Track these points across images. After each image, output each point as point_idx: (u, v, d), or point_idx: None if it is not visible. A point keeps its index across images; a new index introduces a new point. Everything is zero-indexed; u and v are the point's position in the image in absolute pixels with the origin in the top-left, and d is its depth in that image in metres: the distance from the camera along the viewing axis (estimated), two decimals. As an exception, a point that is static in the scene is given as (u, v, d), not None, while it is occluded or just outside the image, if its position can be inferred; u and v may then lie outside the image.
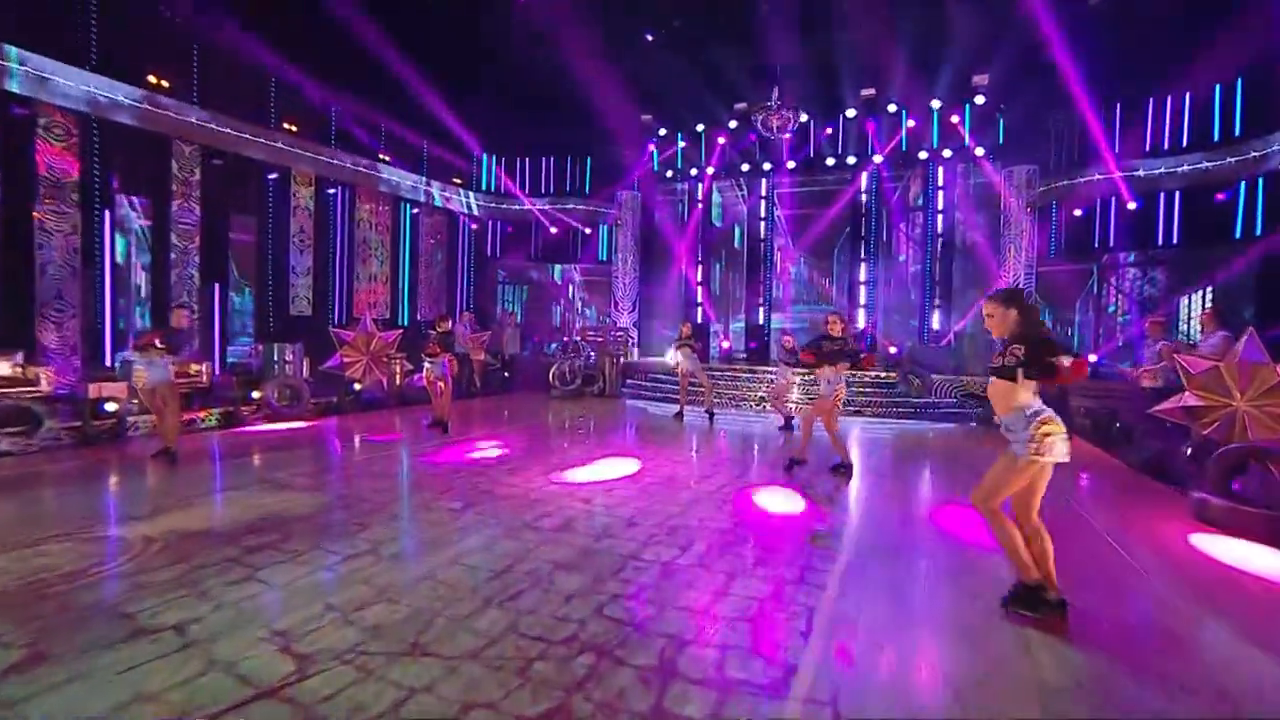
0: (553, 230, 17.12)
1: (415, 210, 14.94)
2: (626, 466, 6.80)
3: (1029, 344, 3.14)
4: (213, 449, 7.31)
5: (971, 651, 2.97)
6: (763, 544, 4.37)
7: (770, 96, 12.67)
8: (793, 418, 9.59)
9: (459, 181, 16.16)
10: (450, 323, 8.61)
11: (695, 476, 6.40)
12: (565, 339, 15.74)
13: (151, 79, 10.00)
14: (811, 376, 7.20)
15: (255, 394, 8.81)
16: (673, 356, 11.69)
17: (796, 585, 3.67)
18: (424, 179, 15.00)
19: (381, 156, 13.74)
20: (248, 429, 8.52)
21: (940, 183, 14.01)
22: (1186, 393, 7.10)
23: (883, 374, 12.38)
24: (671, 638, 3.00)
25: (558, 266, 18.33)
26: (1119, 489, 6.53)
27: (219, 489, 5.61)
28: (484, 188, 16.98)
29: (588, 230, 17.23)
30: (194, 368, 8.55)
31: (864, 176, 14.79)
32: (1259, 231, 9.81)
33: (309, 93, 11.42)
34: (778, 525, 4.86)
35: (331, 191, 12.60)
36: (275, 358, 9.44)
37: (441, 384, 8.45)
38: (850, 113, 13.95)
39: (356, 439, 8.09)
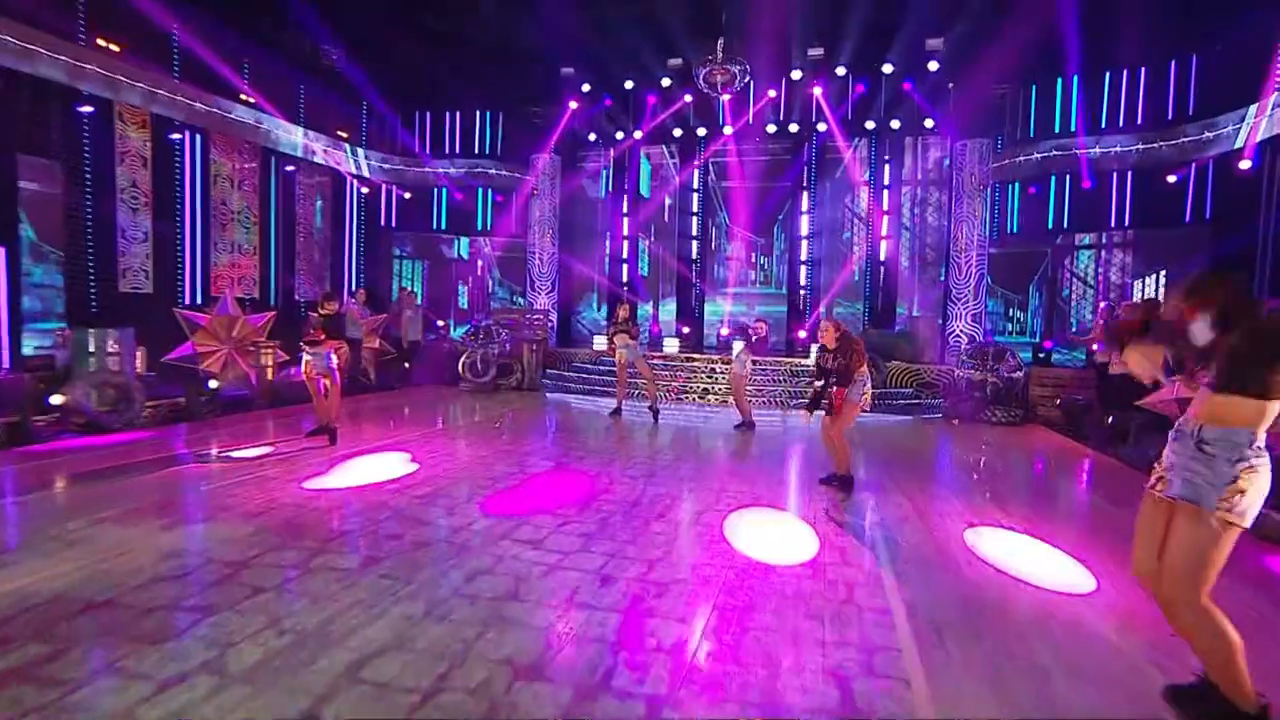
0: (459, 198, 15.39)
1: (291, 168, 12.76)
2: (574, 485, 5.62)
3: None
4: (-11, 479, 5.40)
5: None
6: (791, 604, 3.36)
7: (714, 49, 11.64)
8: (752, 419, 8.75)
9: (345, 135, 14.03)
10: (337, 304, 7.00)
11: (663, 498, 5.32)
12: (475, 323, 14.17)
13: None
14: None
15: (56, 398, 6.75)
16: (608, 344, 10.54)
17: (867, 676, 2.67)
18: (302, 129, 12.82)
19: (244, 97, 11.48)
20: (44, 447, 6.51)
21: (888, 155, 13.60)
22: (1178, 383, 6.82)
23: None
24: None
25: (465, 239, 16.62)
26: (1134, 495, 6.07)
27: (-21, 550, 3.90)
28: (377, 145, 14.92)
29: (500, 199, 15.63)
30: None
31: (808, 146, 14.15)
32: (1208, 215, 9.97)
33: (140, 1, 9.12)
34: (794, 575, 3.86)
35: (176, 137, 10.30)
36: (93, 348, 7.36)
37: (326, 380, 6.85)
38: (796, 74, 13.20)
39: (208, 456, 6.37)
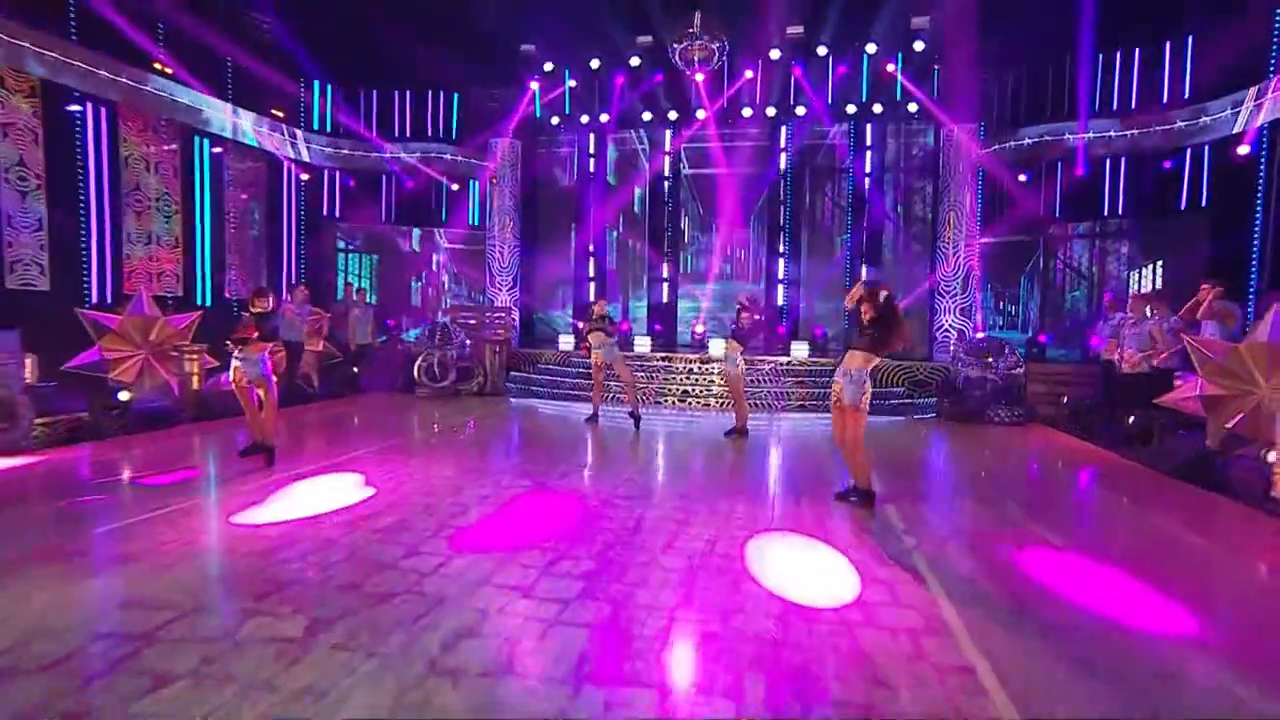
0: (411, 186, 14.45)
1: (218, 149, 11.65)
2: (560, 510, 4.96)
3: None
4: None
5: None
6: (851, 664, 2.78)
7: (689, 23, 11.06)
8: (745, 425, 8.20)
9: (281, 115, 12.94)
10: (271, 300, 6.14)
11: (666, 523, 4.70)
12: (431, 322, 13.30)
13: None
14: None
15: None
16: (579, 342, 9.86)
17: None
18: (230, 106, 11.72)
19: (160, 65, 10.34)
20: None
21: (870, 141, 13.28)
22: (1201, 380, 6.56)
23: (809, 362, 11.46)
24: None
25: (418, 231, 15.69)
26: (1188, 510, 5.76)
27: None
28: (317, 126, 13.86)
29: (455, 186, 14.75)
30: None
31: (785, 131, 13.73)
32: (1205, 203, 9.88)
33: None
34: (844, 622, 3.29)
35: (75, 109, 9.14)
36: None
37: (261, 390, 6.00)
38: (774, 54, 12.74)
39: (114, 485, 5.46)
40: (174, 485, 5.35)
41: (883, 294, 5.15)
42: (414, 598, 3.36)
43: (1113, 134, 10.50)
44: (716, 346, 12.26)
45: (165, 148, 10.55)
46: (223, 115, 11.56)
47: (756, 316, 8.14)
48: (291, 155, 13.21)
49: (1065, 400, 8.91)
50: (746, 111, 13.61)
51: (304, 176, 13.49)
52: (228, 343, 6.03)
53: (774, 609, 3.36)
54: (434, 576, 3.62)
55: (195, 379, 8.35)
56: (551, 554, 4.00)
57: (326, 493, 5.24)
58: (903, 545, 4.35)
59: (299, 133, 13.37)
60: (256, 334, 6.01)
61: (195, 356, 8.33)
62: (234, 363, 5.97)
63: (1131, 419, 6.98)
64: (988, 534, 4.70)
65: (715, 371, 11.22)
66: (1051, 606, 3.50)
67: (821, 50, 12.62)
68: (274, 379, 6.11)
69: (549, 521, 4.67)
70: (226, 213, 11.94)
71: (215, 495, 5.07)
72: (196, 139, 11.11)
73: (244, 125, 12.00)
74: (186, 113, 10.85)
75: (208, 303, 11.01)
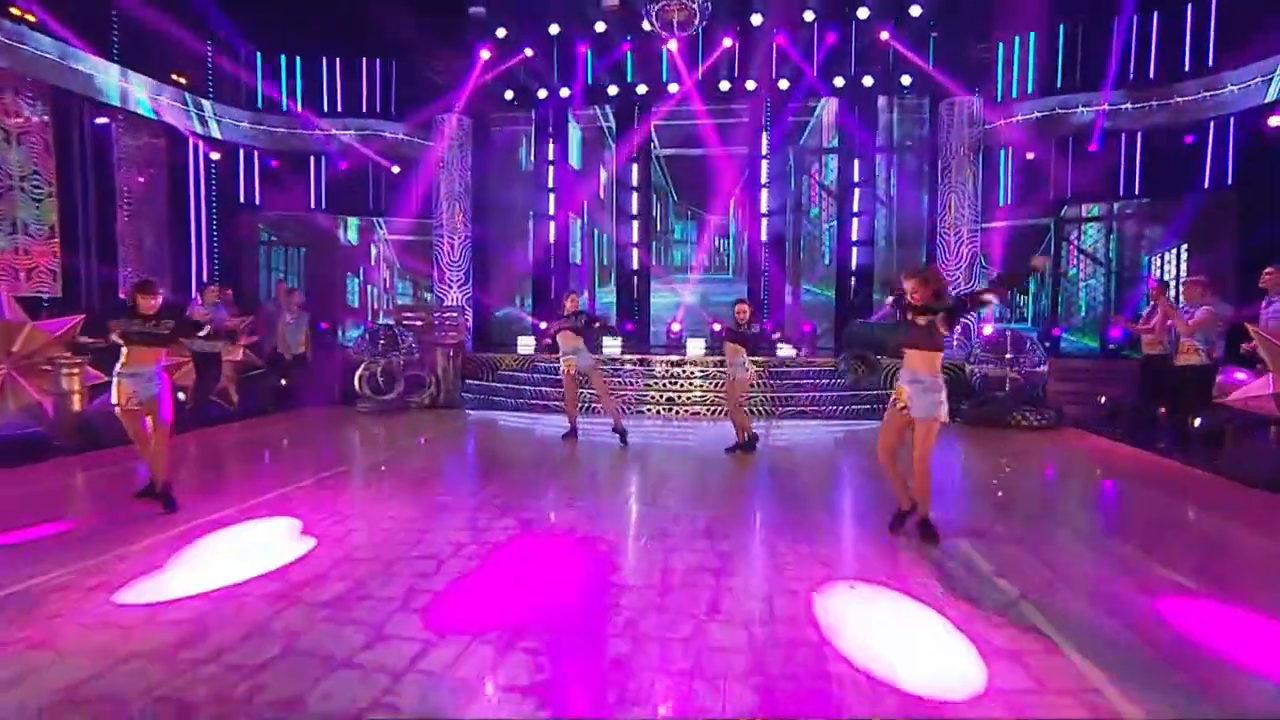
0: (345, 168, 13.28)
1: (104, 120, 10.27)
2: (560, 560, 4.09)
3: None
4: None
5: None
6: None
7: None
8: (755, 435, 7.46)
9: (184, 81, 11.58)
10: (159, 297, 5.02)
11: (700, 574, 3.89)
12: (373, 325, 12.18)
13: None
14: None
15: None
16: (540, 339, 8.88)
17: None
18: (119, 69, 10.34)
19: (19, 12, 8.89)
20: None
21: (861, 117, 12.76)
22: (1273, 376, 6.14)
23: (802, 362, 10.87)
24: None
25: (355, 221, 14.48)
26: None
27: None
28: (232, 97, 12.53)
29: (397, 169, 13.69)
30: None
31: (767, 107, 13.12)
32: (1230, 181, 9.65)
33: None
34: None
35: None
36: None
37: (151, 416, 4.91)
38: (756, 19, 12.09)
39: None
40: (37, 544, 4.24)
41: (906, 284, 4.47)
42: (387, 716, 2.46)
43: (1128, 106, 10.21)
44: (695, 347, 11.69)
45: (32, 116, 9.16)
46: (110, 79, 10.18)
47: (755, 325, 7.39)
48: (199, 130, 11.86)
49: (1103, 400, 8.48)
50: (724, 85, 13.01)
51: (214, 155, 12.16)
52: (107, 340, 4.94)
53: (888, 703, 2.59)
54: (411, 677, 2.72)
55: (75, 399, 7.08)
56: (565, 633, 3.13)
57: (251, 548, 4.23)
58: (1004, 595, 3.64)
59: (207, 104, 12.03)
60: (144, 342, 4.91)
61: (75, 371, 7.06)
62: (116, 379, 4.86)
63: (1198, 421, 6.52)
64: (1096, 574, 4.06)
65: (698, 375, 10.56)
66: (1243, 685, 2.82)
67: (808, 15, 12.04)
68: (170, 400, 5.01)
69: (550, 580, 3.81)
70: (118, 197, 10.55)
71: (95, 559, 3.99)
72: (75, 106, 9.71)
73: (137, 92, 10.61)
74: (60, 73, 9.44)
75: (93, 303, 9.62)
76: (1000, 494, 6.05)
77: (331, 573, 3.81)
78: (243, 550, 4.20)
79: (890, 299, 4.80)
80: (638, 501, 5.55)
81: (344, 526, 4.66)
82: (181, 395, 8.40)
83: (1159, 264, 10.60)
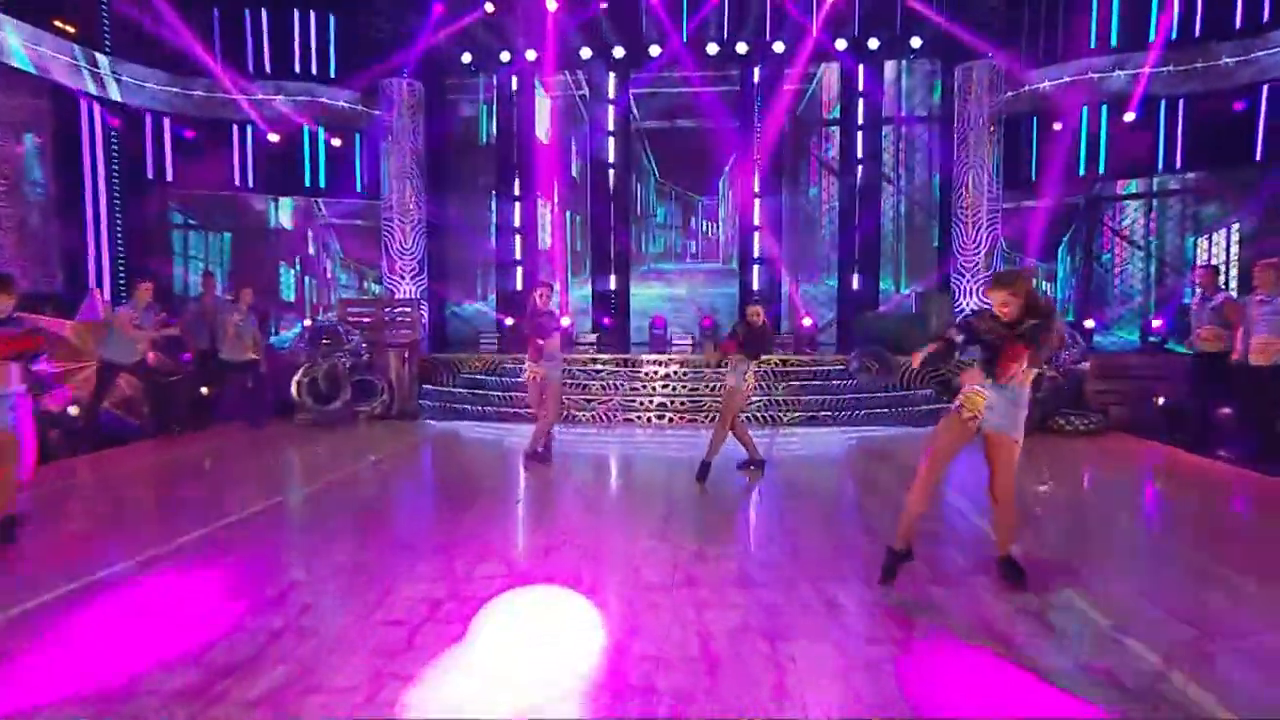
0: (275, 139, 12.09)
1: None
2: (577, 632, 3.11)
3: None
4: None
5: None
6: None
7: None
8: (761, 460, 6.59)
9: (73, 30, 10.20)
10: (13, 298, 3.94)
11: (748, 634, 2.99)
12: (312, 322, 11.10)
13: None
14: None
15: None
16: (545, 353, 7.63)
17: None
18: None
19: None
20: None
21: (865, 85, 12.15)
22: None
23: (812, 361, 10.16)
24: None
25: (289, 201, 13.43)
26: None
27: None
28: (135, 53, 11.24)
29: (338, 141, 12.66)
30: None
31: (760, 73, 12.40)
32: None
33: None
34: None
35: None
36: None
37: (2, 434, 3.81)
38: (751, -29, 11.33)
39: None
40: None
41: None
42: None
43: (1170, 69, 9.72)
44: (683, 344, 11.02)
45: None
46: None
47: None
48: (93, 90, 10.52)
49: (1160, 401, 7.89)
50: (712, 48, 12.27)
51: (114, 122, 10.85)
52: None
53: None
54: None
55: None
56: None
57: (148, 617, 3.17)
58: (1142, 663, 2.80)
59: (103, 59, 10.68)
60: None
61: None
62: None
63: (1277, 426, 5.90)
64: (1249, 627, 3.25)
65: (691, 376, 9.81)
66: None
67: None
68: (29, 418, 3.91)
69: (559, 651, 2.93)
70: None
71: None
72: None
73: (9, 40, 9.22)
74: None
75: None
76: (1073, 517, 5.31)
77: (266, 654, 2.79)
78: (138, 620, 3.13)
79: (953, 328, 4.00)
80: (647, 535, 4.62)
81: (280, 582, 3.63)
82: (74, 410, 7.27)
83: (1206, 247, 10.14)
